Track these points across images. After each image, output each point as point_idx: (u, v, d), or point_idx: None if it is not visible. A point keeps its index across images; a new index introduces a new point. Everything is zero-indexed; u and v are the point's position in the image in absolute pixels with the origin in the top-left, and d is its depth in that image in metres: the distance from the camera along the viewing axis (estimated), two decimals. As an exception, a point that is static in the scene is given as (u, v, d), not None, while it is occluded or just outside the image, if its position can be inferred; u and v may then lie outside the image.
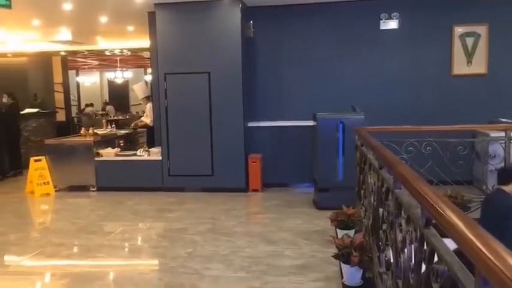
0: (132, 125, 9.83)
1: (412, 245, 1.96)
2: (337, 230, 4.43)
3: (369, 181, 3.61)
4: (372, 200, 3.40)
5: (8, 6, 6.02)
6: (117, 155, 7.50)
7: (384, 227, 2.82)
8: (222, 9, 6.79)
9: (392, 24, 6.97)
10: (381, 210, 2.95)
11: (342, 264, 3.57)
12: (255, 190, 6.94)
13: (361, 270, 3.48)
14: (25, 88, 12.19)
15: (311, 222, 5.30)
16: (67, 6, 7.10)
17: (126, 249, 4.74)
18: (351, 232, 4.24)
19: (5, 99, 8.75)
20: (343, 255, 3.47)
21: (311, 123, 7.04)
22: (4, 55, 12.14)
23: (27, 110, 10.29)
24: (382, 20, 6.98)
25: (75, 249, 4.73)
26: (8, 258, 4.61)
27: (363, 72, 7.19)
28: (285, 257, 4.17)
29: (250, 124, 7.20)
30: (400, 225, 2.22)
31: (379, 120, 5.90)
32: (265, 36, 7.33)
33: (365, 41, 7.15)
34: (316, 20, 7.23)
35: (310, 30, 7.25)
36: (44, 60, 13.31)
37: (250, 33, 7.14)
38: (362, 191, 4.16)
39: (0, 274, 4.04)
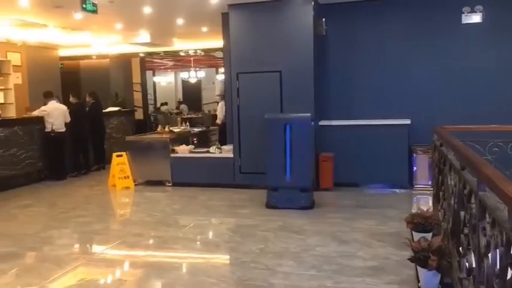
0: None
1: (497, 250, 1.86)
2: (413, 232, 4.27)
3: (449, 183, 3.46)
4: (452, 203, 3.25)
5: (95, 11, 6.46)
6: (191, 152, 7.78)
7: (466, 230, 2.70)
8: (294, 7, 6.80)
9: (476, 18, 6.60)
10: (462, 213, 2.81)
11: (418, 268, 3.44)
12: (326, 189, 6.88)
13: (439, 275, 3.34)
14: (107, 88, 13.03)
15: (385, 223, 5.16)
16: (147, 10, 7.48)
17: (200, 243, 4.91)
18: (428, 235, 4.07)
19: (87, 99, 9.37)
20: (420, 259, 3.35)
21: (384, 122, 6.88)
22: (89, 57, 13.05)
23: (109, 109, 10.98)
24: (464, 13, 6.64)
25: (153, 241, 4.98)
26: (94, 247, 4.96)
27: (441, 69, 6.88)
28: (357, 258, 4.10)
29: (322, 123, 7.14)
30: (484, 229, 2.12)
31: (460, 119, 5.62)
32: (337, 33, 7.24)
33: (444, 36, 6.83)
34: (391, 15, 7.03)
35: (384, 26, 7.06)
36: (124, 61, 14.13)
37: (323, 31, 7.08)
38: (441, 193, 3.98)
39: (86, 261, 4.35)
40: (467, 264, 2.62)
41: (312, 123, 6.06)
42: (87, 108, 9.31)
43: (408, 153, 6.80)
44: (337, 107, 7.27)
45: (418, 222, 4.16)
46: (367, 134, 6.96)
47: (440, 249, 3.33)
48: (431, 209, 4.78)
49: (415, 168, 6.79)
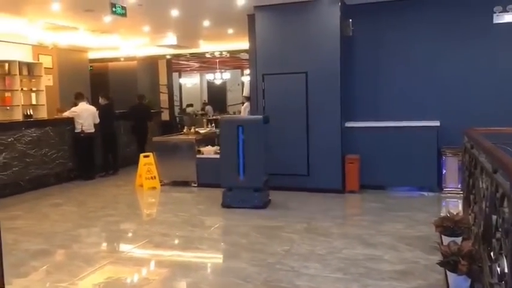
0: None
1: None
2: (442, 236, 4.19)
3: (480, 186, 3.37)
4: (484, 206, 3.17)
5: (124, 14, 6.59)
6: (216, 153, 7.81)
7: (498, 235, 2.62)
8: (321, 9, 6.77)
9: (508, 18, 6.43)
10: (494, 217, 2.74)
11: (447, 272, 3.37)
12: (352, 191, 6.82)
13: (469, 280, 3.26)
14: (135, 89, 13.23)
15: (413, 227, 5.07)
16: (174, 13, 7.57)
17: (225, 243, 4.94)
18: (458, 239, 3.98)
19: (100, 100, 9.35)
20: (450, 263, 3.27)
21: (413, 124, 6.78)
22: (117, 59, 13.30)
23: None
24: (495, 13, 6.48)
25: (179, 240, 5.03)
26: (121, 246, 5.05)
27: (472, 70, 6.74)
28: (384, 261, 4.04)
29: (348, 124, 7.08)
30: (518, 233, 2.05)
31: (491, 121, 5.48)
32: (364, 34, 7.17)
33: (475, 36, 6.69)
34: (419, 15, 6.92)
35: (411, 26, 6.96)
36: (151, 63, 14.35)
37: (349, 32, 7.03)
38: (471, 196, 3.89)
39: (115, 260, 4.43)
40: (499, 269, 2.55)
41: (264, 125, 6.15)
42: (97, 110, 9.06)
43: (437, 155, 6.67)
44: (363, 109, 7.20)
45: (448, 226, 4.07)
46: (395, 136, 6.86)
47: (471, 253, 3.26)
48: (461, 213, 4.68)
49: (444, 171, 6.65)
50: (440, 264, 3.41)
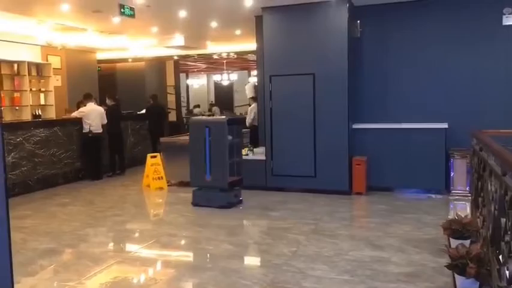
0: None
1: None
2: (450, 239, 4.17)
3: (489, 188, 3.35)
4: (493, 209, 3.15)
5: (132, 15, 6.63)
6: (223, 153, 7.82)
7: (507, 238, 2.60)
8: (329, 10, 6.76)
9: (517, 19, 6.38)
10: (503, 220, 2.72)
11: (455, 275, 3.35)
12: (359, 193, 6.80)
13: (478, 283, 3.24)
14: (142, 90, 13.31)
15: (421, 229, 5.04)
16: (182, 14, 7.60)
17: (232, 244, 4.93)
18: (466, 242, 3.96)
19: (107, 101, 9.36)
20: (458, 266, 3.26)
21: (420, 126, 6.75)
22: (125, 60, 13.37)
23: (144, 111, 11.20)
24: (505, 14, 6.44)
25: (186, 241, 5.04)
26: (128, 246, 5.07)
27: (480, 72, 6.70)
28: (392, 264, 4.02)
29: (355, 126, 7.06)
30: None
31: (500, 123, 5.44)
32: (372, 35, 7.16)
33: (484, 37, 6.65)
34: (427, 16, 6.89)
35: (420, 27, 6.93)
36: (159, 64, 14.41)
37: (357, 33, 7.02)
38: (480, 199, 3.87)
39: (122, 259, 4.44)
40: (507, 272, 2.53)
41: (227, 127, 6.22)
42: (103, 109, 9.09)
43: (445, 157, 6.63)
44: (371, 110, 7.18)
45: (456, 229, 4.05)
46: (402, 138, 6.83)
47: (480, 256, 3.24)
48: (469, 215, 4.66)
49: (452, 173, 6.61)
50: (449, 267, 3.40)
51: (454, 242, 4.02)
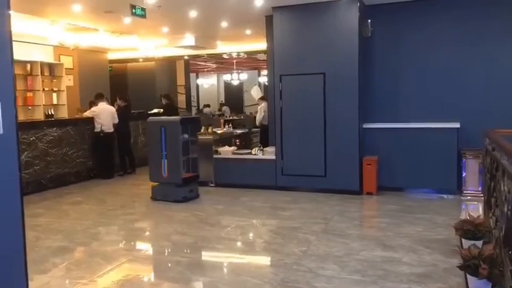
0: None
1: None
2: (462, 239, 4.13)
3: (502, 189, 3.32)
4: (506, 210, 3.12)
5: (144, 16, 6.67)
6: (233, 153, 7.86)
7: (521, 239, 2.58)
8: (339, 9, 6.74)
9: (531, 18, 6.30)
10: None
11: (468, 276, 3.32)
12: (369, 193, 6.77)
13: (490, 284, 3.21)
14: (153, 90, 13.39)
15: (433, 229, 5.01)
16: (192, 14, 7.63)
17: (243, 243, 4.95)
18: (478, 243, 3.93)
19: (118, 102, 9.39)
20: (470, 267, 3.23)
21: (432, 125, 6.70)
22: (136, 60, 13.46)
23: (154, 110, 11.27)
24: (518, 13, 6.35)
25: (197, 240, 5.05)
26: (139, 244, 5.11)
27: (493, 71, 6.64)
28: (403, 264, 4.00)
29: (366, 125, 7.03)
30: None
31: (513, 122, 5.39)
32: (383, 35, 7.12)
33: (498, 36, 6.60)
34: (440, 15, 6.84)
35: (432, 27, 6.88)
36: (169, 64, 14.48)
37: (368, 33, 6.99)
38: (493, 200, 3.83)
39: (133, 258, 4.48)
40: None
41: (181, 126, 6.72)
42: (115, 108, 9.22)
43: (457, 157, 6.58)
44: (382, 110, 7.14)
45: (468, 229, 4.02)
46: (414, 138, 6.79)
47: (492, 257, 3.21)
48: (481, 216, 4.61)
49: (464, 173, 6.55)
50: (461, 267, 3.37)
51: (466, 243, 3.98)
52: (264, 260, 4.51)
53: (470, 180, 6.52)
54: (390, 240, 4.67)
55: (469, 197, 6.47)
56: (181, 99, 14.92)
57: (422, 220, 5.39)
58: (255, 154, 7.67)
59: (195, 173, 7.04)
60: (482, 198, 5.36)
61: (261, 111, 9.84)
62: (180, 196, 6.65)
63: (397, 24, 7.07)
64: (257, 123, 9.98)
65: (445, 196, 6.62)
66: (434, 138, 6.66)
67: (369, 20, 6.97)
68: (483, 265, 3.15)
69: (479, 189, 6.31)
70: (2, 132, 1.83)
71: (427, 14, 6.90)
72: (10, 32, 1.87)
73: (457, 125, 6.60)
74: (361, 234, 4.95)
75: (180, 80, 15.07)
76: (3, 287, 1.91)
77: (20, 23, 8.26)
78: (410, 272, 3.82)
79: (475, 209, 5.79)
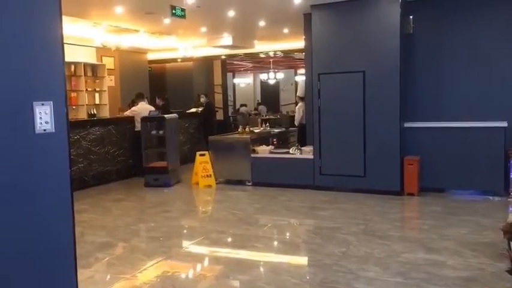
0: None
1: None
2: (511, 243, 3.96)
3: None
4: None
5: (183, 16, 6.76)
6: (271, 152, 7.85)
7: None
8: (380, 6, 6.61)
9: None
10: None
11: (518, 281, 3.18)
12: (411, 194, 6.59)
13: (543, 291, 3.07)
14: (190, 90, 13.58)
15: (479, 232, 4.83)
16: (231, 13, 7.68)
17: (281, 242, 4.94)
18: (529, 247, 3.75)
19: (157, 101, 9.79)
20: (521, 272, 3.10)
21: (477, 124, 6.47)
22: (175, 60, 13.68)
23: (192, 110, 11.42)
24: None
25: (235, 238, 5.08)
26: (179, 241, 5.18)
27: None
28: (448, 267, 3.88)
29: (407, 125, 6.85)
30: None
31: None
32: (426, 31, 6.92)
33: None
34: (484, 11, 6.59)
35: (477, 23, 6.63)
36: (207, 64, 14.64)
37: (410, 30, 6.81)
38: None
39: (173, 255, 4.55)
40: None
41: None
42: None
43: (504, 158, 6.31)
44: (424, 109, 6.94)
45: (517, 233, 3.84)
46: (458, 137, 6.57)
47: (545, 262, 3.06)
48: (532, 219, 4.40)
49: (511, 174, 6.28)
50: (510, 272, 3.23)
51: (515, 247, 3.82)
52: (303, 260, 4.48)
53: (519, 182, 6.23)
54: (434, 243, 4.53)
55: (517, 199, 6.20)
56: (218, 98, 15.06)
57: (467, 222, 5.21)
58: (292, 153, 7.63)
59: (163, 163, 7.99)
60: (532, 200, 5.13)
61: (299, 111, 9.78)
62: (171, 182, 7.89)
63: (439, 20, 6.86)
64: (296, 122, 9.93)
65: (490, 198, 6.38)
66: (480, 137, 6.42)
67: (411, 16, 6.79)
68: (535, 270, 3.01)
69: (528, 191, 6.03)
70: (54, 131, 1.89)
71: (471, 10, 6.66)
72: (62, 35, 1.93)
73: (504, 124, 6.33)
74: (403, 236, 4.84)
75: (217, 80, 15.22)
76: (55, 279, 1.97)
77: (64, 26, 8.56)
78: (456, 275, 3.70)
79: (523, 212, 5.53)
